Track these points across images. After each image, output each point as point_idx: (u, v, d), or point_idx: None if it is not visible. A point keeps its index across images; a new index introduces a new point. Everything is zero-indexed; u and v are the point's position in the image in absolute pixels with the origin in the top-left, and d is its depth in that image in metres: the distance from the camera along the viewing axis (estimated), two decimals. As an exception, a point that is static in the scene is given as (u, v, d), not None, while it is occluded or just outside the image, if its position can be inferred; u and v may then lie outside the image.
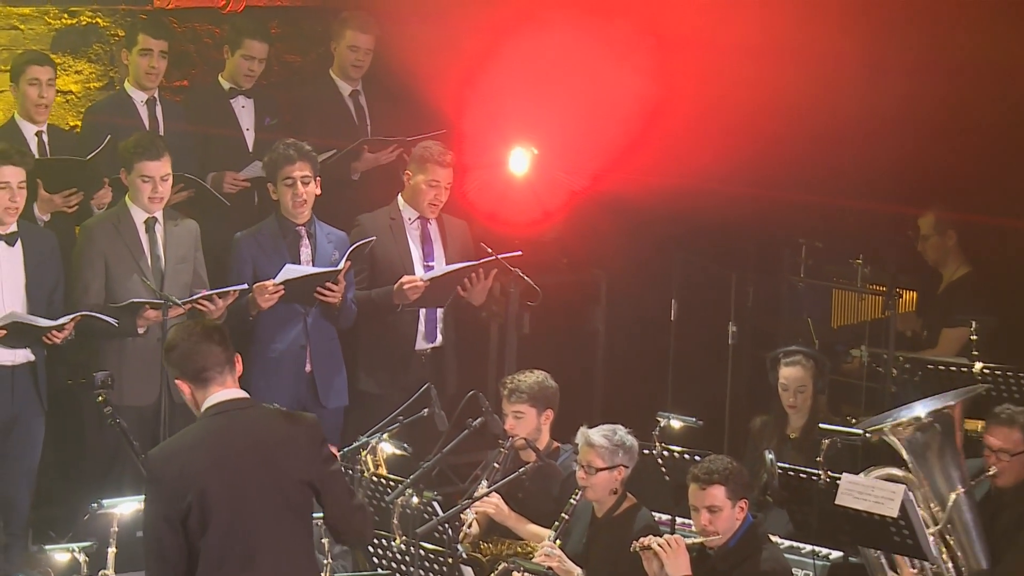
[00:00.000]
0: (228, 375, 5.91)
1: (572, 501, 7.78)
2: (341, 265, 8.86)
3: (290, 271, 8.81)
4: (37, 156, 9.13)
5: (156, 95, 9.73)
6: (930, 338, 10.15)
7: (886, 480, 7.64)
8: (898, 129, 9.69)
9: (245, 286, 8.73)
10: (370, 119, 10.36)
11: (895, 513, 7.32)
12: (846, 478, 7.50)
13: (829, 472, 7.58)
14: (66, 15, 10.35)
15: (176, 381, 5.93)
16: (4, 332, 8.22)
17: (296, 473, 5.85)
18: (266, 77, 10.49)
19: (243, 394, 5.94)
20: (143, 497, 5.82)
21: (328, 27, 10.46)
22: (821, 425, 8.11)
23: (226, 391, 5.90)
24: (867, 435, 8.01)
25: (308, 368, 9.03)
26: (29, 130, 9.26)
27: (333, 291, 8.88)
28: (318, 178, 9.02)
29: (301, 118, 10.30)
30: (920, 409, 7.97)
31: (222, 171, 9.72)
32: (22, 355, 8.48)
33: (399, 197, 9.46)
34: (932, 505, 7.85)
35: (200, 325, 6.01)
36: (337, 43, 10.29)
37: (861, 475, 7.72)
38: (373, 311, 9.28)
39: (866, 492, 7.44)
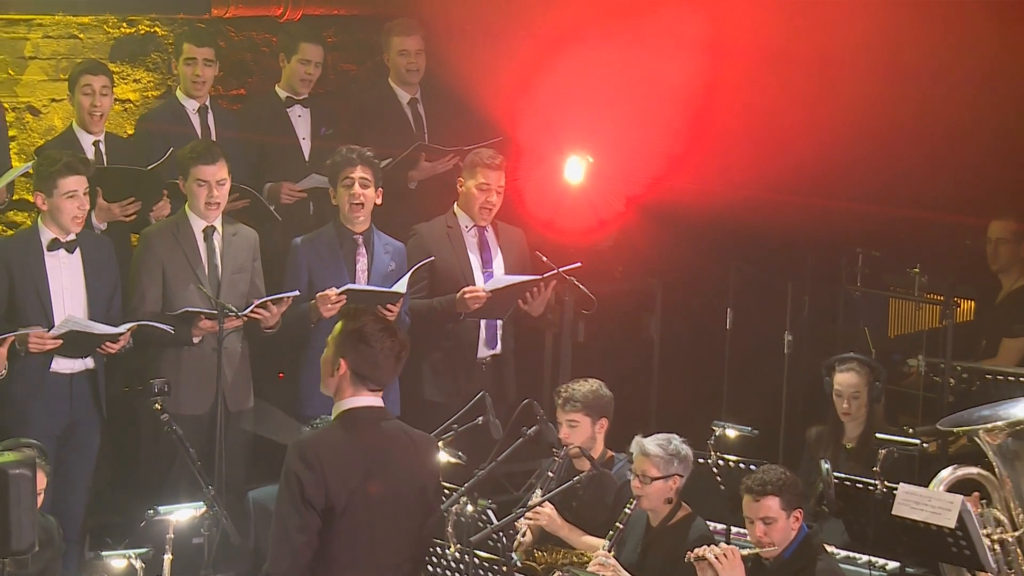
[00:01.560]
0: (383, 389, 6.05)
1: (627, 510, 7.76)
2: (404, 287, 8.86)
3: (354, 289, 8.83)
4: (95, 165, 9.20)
5: (208, 103, 9.78)
6: (989, 348, 10.08)
7: (966, 479, 7.58)
8: (958, 138, 9.63)
9: (297, 292, 8.75)
10: (428, 128, 10.38)
11: (952, 524, 7.26)
12: (903, 488, 7.44)
13: (886, 482, 7.53)
14: (124, 24, 10.41)
15: (339, 358, 5.97)
16: (60, 342, 8.27)
17: (426, 496, 6.04)
18: (322, 86, 10.52)
19: (381, 402, 6.07)
20: (283, 478, 5.85)
21: (380, 37, 10.49)
22: (878, 435, 8.03)
23: (373, 397, 6.03)
24: (924, 445, 7.94)
25: (362, 377, 9.03)
26: (87, 139, 9.32)
27: (393, 311, 8.91)
28: (380, 188, 9.04)
29: (359, 126, 10.34)
30: (1019, 412, 7.85)
31: (279, 181, 9.75)
32: (80, 363, 8.52)
33: (455, 206, 9.48)
34: (1013, 508, 7.72)
35: (399, 340, 6.03)
36: (388, 53, 10.35)
37: (945, 472, 7.66)
38: (435, 320, 9.30)
39: (923, 502, 7.38)
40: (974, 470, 7.75)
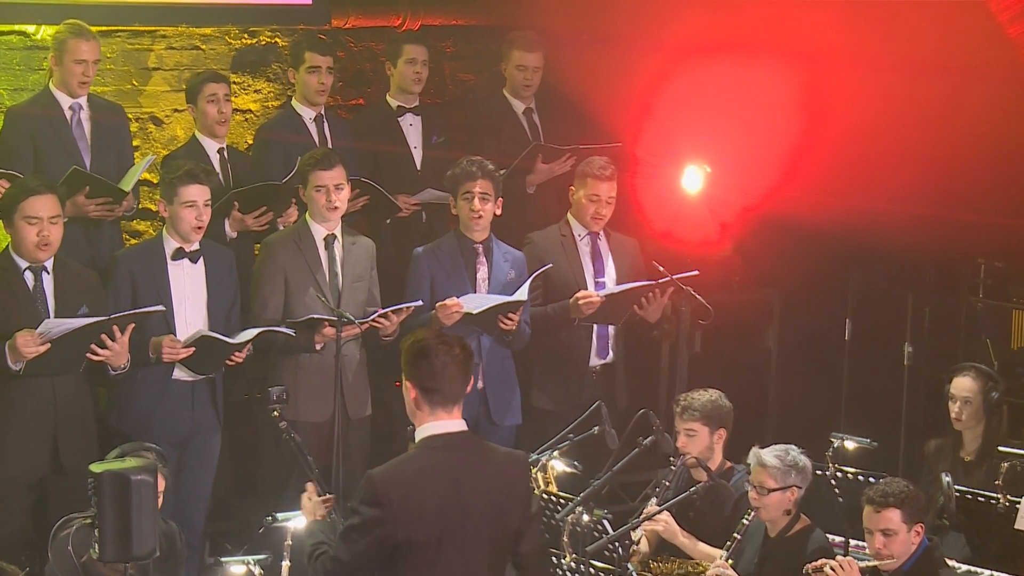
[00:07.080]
0: (457, 405, 5.88)
1: (744, 521, 7.71)
2: (524, 295, 8.88)
3: (474, 300, 8.85)
4: (219, 173, 9.29)
5: (323, 112, 9.85)
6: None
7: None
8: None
9: (420, 302, 8.79)
10: (544, 136, 10.39)
11: (1076, 539, 7.18)
12: (1026, 502, 7.37)
13: (1008, 496, 7.43)
14: (246, 35, 10.53)
15: (406, 381, 5.87)
16: (193, 351, 8.35)
17: (512, 523, 5.90)
18: (441, 95, 10.58)
19: (463, 425, 5.92)
20: (354, 507, 5.80)
21: (501, 46, 10.52)
22: (1000, 448, 7.95)
23: (452, 421, 5.87)
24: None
25: (480, 385, 9.07)
26: (211, 147, 9.42)
27: (513, 320, 8.92)
28: (500, 199, 9.07)
29: (475, 135, 10.37)
30: None
31: (395, 194, 9.80)
32: (201, 367, 8.61)
33: (568, 214, 9.50)
34: None
35: (459, 346, 5.86)
36: (506, 64, 10.39)
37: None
38: (549, 326, 9.31)
39: (1047, 517, 7.30)
40: None
